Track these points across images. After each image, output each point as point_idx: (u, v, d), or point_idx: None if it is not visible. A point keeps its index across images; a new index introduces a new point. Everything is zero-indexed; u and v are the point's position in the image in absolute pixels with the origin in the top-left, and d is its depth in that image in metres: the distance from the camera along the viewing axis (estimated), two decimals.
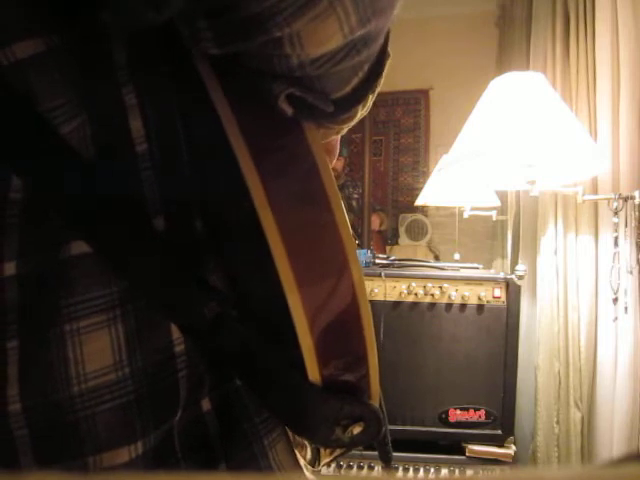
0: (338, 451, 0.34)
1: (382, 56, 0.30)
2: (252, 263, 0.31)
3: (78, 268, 0.26)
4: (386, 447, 0.36)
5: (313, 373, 0.29)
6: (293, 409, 0.31)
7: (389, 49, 0.32)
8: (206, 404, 0.30)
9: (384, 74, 0.32)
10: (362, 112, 0.34)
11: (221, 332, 0.29)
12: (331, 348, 0.30)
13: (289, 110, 0.28)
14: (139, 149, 0.28)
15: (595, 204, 1.55)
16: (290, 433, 0.34)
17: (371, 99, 0.33)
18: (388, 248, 2.86)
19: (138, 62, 0.28)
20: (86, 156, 0.26)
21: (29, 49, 0.25)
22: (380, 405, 0.33)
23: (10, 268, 0.25)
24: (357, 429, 0.30)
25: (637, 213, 1.34)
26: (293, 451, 0.34)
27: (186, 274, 0.29)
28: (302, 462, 0.35)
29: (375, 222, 2.79)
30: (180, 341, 0.29)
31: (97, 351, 0.26)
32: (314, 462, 0.35)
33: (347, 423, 0.30)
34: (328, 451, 0.35)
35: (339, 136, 0.41)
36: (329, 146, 0.42)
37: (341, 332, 0.30)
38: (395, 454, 1.39)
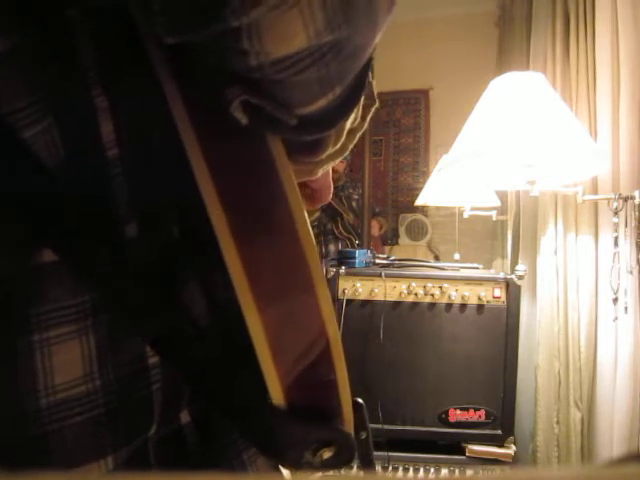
0: (314, 474, 0.33)
1: (358, 92, 0.29)
2: (217, 279, 0.30)
3: (49, 276, 0.25)
4: (370, 464, 0.35)
5: (277, 396, 0.28)
6: (260, 432, 0.30)
7: (375, 101, 0.31)
8: (185, 416, 0.29)
9: (356, 113, 0.30)
10: (335, 148, 0.32)
11: (187, 348, 0.28)
12: (295, 371, 0.28)
13: (243, 119, 0.26)
14: (110, 154, 0.27)
15: (595, 204, 1.55)
16: None
17: (345, 136, 0.32)
18: (388, 248, 2.86)
19: (108, 64, 0.27)
20: (54, 161, 0.25)
21: None
22: (363, 417, 0.32)
23: None
24: (327, 453, 0.29)
25: (637, 213, 1.34)
26: (276, 465, 0.33)
27: (155, 285, 0.28)
28: (286, 474, 0.34)
29: (375, 227, 2.77)
30: (154, 352, 0.28)
31: (67, 362, 0.25)
32: None
33: (317, 447, 0.29)
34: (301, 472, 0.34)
35: (328, 176, 0.40)
36: (316, 185, 0.40)
37: (306, 355, 0.28)
38: (395, 454, 1.39)
